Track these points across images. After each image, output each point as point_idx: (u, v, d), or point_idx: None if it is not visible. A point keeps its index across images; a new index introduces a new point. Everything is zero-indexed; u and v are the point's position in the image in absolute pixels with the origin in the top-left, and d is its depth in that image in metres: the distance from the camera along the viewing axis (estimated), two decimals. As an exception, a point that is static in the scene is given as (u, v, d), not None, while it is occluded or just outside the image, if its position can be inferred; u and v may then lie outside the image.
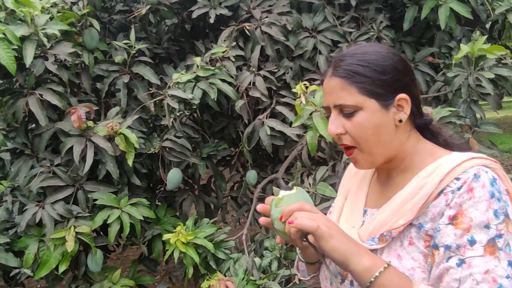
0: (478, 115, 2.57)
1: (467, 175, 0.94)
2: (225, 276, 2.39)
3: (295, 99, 2.66)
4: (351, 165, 1.30)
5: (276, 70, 2.64)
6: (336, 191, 1.97)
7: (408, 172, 1.06)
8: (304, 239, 1.00)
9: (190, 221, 2.54)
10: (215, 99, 2.42)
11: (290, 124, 2.60)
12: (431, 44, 3.07)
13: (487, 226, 0.89)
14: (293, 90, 1.97)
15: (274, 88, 2.65)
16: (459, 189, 0.93)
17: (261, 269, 2.36)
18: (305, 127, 2.18)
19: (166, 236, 2.43)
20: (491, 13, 3.12)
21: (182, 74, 2.46)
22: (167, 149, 2.65)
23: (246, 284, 2.08)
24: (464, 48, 2.50)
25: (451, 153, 1.03)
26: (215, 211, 3.15)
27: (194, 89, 2.43)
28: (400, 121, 1.03)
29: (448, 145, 1.11)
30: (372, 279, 0.91)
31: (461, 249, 0.90)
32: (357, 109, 1.01)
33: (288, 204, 0.99)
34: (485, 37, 2.52)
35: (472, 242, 0.89)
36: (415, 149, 1.07)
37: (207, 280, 2.41)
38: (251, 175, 2.68)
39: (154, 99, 2.52)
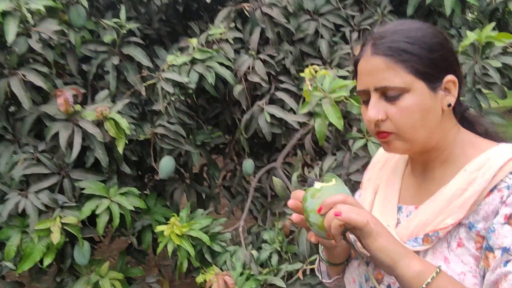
0: (483, 105, 2.50)
1: None
2: (221, 269, 2.28)
3: (294, 85, 2.55)
4: (376, 158, 1.19)
5: (275, 54, 2.51)
6: (345, 183, 1.88)
7: (450, 165, 0.96)
8: (343, 237, 0.89)
9: (184, 212, 2.42)
10: (213, 84, 2.28)
11: (290, 111, 2.49)
12: (432, 31, 2.98)
13: None
14: (301, 74, 1.85)
15: (273, 73, 2.53)
16: None
17: (259, 262, 2.26)
18: (309, 114, 2.07)
19: (159, 228, 2.30)
20: (493, 1, 3.05)
21: (177, 56, 2.31)
22: (159, 135, 2.51)
23: (247, 280, 1.97)
24: (471, 36, 2.42)
25: (499, 145, 0.93)
26: (207, 201, 3.02)
27: (190, 72, 2.28)
28: (449, 105, 0.92)
29: (489, 136, 1.01)
30: (424, 286, 0.81)
31: None
32: (403, 92, 0.89)
33: (328, 196, 0.88)
34: (493, 24, 2.44)
35: None
36: (456, 139, 0.97)
37: (202, 273, 2.30)
38: (248, 164, 2.56)
39: (146, 83, 2.37)
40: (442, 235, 0.89)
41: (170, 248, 2.22)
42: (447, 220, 0.88)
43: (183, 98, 2.30)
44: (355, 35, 2.49)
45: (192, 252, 2.23)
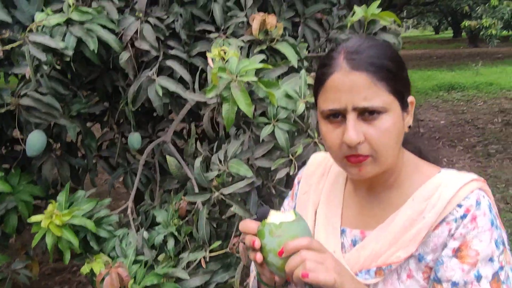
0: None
1: (470, 202, 0.87)
2: (109, 256, 2.10)
3: (184, 52, 2.35)
4: (310, 169, 1.13)
5: (165, 17, 2.26)
6: (251, 169, 1.82)
7: (394, 189, 0.96)
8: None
9: (62, 196, 2.12)
10: (95, 51, 1.96)
11: (179, 79, 2.30)
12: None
13: (491, 259, 0.85)
14: (209, 55, 1.68)
15: (161, 37, 2.28)
16: (462, 218, 0.86)
17: (150, 244, 2.13)
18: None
19: (34, 219, 1.99)
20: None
21: (48, 14, 1.91)
22: (26, 107, 2.12)
23: (145, 275, 1.83)
24: (359, 12, 2.48)
25: (441, 171, 0.96)
26: (82, 174, 2.72)
27: (66, 35, 1.92)
28: (409, 127, 0.92)
29: (424, 156, 1.03)
30: None
31: (468, 286, 0.84)
32: (382, 112, 0.84)
33: (289, 236, 0.81)
34: (379, 1, 2.53)
35: (478, 278, 0.84)
36: (402, 162, 0.97)
37: (88, 263, 2.08)
38: (135, 139, 2.33)
39: (7, 45, 1.94)
40: (394, 267, 0.89)
41: (49, 241, 1.95)
42: (399, 253, 0.89)
43: (58, 67, 1.94)
44: (250, 1, 2.35)
45: (76, 242, 1.99)
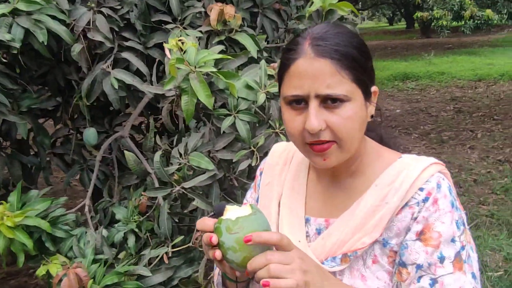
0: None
1: (431, 185, 0.88)
2: (67, 257, 2.02)
3: (140, 43, 2.29)
4: (273, 159, 1.12)
5: (118, 7, 2.18)
6: (213, 162, 1.79)
7: (358, 176, 0.96)
8: None
9: (14, 196, 2.01)
10: (45, 43, 1.86)
11: (136, 72, 2.23)
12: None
13: (453, 240, 0.87)
14: (166, 45, 1.63)
15: (116, 29, 2.20)
16: (424, 201, 0.88)
17: (109, 242, 2.06)
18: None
19: (-17, 221, 1.88)
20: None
21: (-8, 4, 1.80)
22: (-29, 103, 1.99)
23: (105, 274, 1.77)
24: (317, 2, 2.49)
25: (402, 156, 0.97)
26: (35, 173, 2.60)
27: (13, 27, 1.82)
28: (372, 116, 0.92)
29: (385, 143, 1.04)
30: None
31: (432, 268, 0.86)
32: (345, 100, 0.83)
33: (247, 231, 0.78)
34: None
35: (442, 259, 0.86)
36: (364, 149, 0.97)
37: (44, 265, 2.00)
38: (91, 134, 2.25)
39: None
40: (360, 253, 0.89)
41: (1, 244, 1.85)
42: (364, 239, 0.89)
43: (4, 60, 1.83)
44: (207, -9, 2.31)
45: (30, 244, 1.90)
